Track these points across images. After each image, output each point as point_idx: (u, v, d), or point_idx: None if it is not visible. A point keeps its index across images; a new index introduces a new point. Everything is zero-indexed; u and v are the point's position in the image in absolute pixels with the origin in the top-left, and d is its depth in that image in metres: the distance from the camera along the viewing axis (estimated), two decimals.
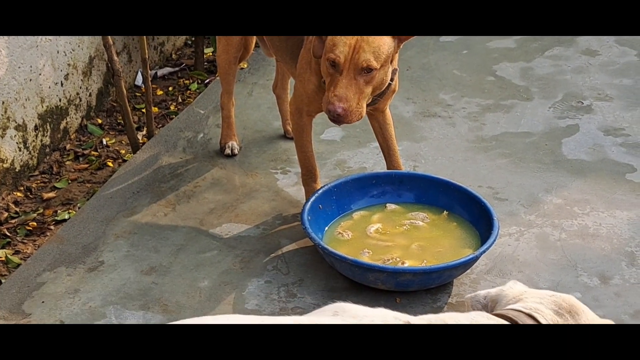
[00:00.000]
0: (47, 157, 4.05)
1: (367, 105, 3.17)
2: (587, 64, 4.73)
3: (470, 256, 3.08)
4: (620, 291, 3.18)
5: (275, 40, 3.54)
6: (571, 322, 2.08)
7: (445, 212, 3.40)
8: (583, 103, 4.38)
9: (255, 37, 3.89)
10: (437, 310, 3.09)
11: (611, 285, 3.21)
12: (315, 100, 3.31)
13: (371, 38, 3.02)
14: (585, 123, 4.21)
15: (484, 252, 3.11)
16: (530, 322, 2.04)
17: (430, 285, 3.12)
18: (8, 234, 3.59)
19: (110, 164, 4.05)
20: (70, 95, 4.17)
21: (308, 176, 3.49)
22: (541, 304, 2.09)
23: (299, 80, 3.34)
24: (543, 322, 2.04)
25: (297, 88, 3.37)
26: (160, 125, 4.30)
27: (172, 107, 4.50)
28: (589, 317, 2.13)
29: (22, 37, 3.76)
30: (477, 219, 3.31)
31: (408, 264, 3.15)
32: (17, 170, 3.86)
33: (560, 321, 2.06)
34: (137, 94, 4.60)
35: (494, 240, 3.14)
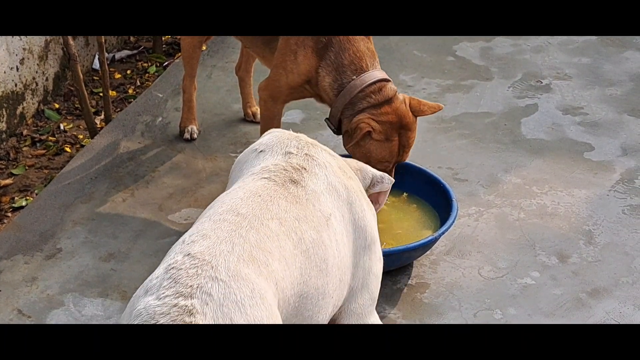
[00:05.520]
0: (4, 143, 3.99)
1: None
2: (546, 43, 4.75)
3: (430, 238, 3.09)
4: (578, 269, 3.21)
5: None
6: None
7: (404, 194, 3.40)
8: (542, 82, 4.40)
9: None
10: (397, 291, 3.10)
11: (569, 264, 3.24)
12: (297, 90, 3.24)
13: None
14: (544, 102, 4.23)
15: (443, 233, 3.12)
16: None
17: (390, 268, 3.12)
18: None
19: (67, 149, 4.00)
20: (26, 80, 4.11)
21: None
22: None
23: (280, 69, 3.22)
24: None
25: (275, 76, 3.25)
26: (119, 110, 4.26)
27: (130, 91, 4.45)
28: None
29: None
30: (437, 200, 3.32)
31: None
32: None
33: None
34: (95, 77, 4.55)
35: (453, 222, 3.15)
